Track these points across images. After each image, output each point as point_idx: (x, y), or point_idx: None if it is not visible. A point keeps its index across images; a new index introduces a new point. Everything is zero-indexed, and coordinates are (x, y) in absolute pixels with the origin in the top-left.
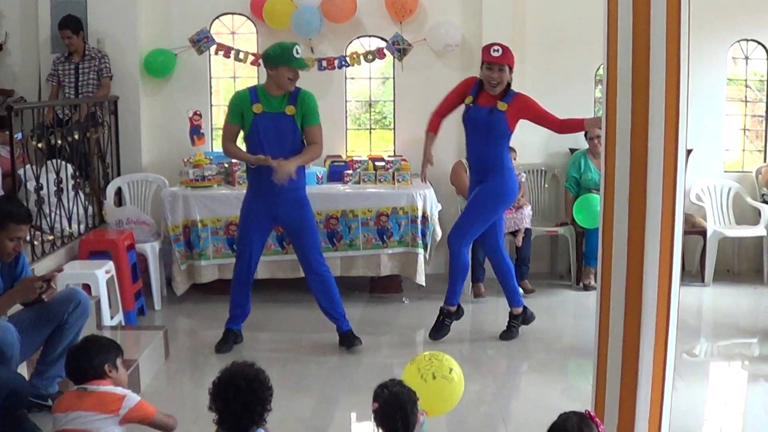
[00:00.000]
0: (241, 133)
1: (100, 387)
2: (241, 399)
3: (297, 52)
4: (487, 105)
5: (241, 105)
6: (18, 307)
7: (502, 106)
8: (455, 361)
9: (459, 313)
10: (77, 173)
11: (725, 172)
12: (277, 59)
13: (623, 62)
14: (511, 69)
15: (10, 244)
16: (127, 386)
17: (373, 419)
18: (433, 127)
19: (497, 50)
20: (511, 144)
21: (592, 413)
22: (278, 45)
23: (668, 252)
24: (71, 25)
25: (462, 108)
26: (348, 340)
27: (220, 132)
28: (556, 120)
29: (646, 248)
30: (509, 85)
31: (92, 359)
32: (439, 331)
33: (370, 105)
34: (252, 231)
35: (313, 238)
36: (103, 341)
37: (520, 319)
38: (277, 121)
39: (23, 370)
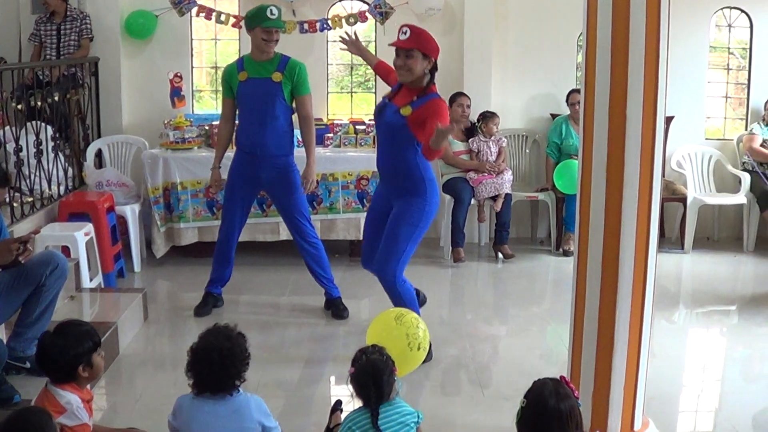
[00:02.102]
0: None
1: (58, 392)
2: (216, 367)
3: (272, 13)
4: (399, 104)
5: (228, 77)
6: None
7: (405, 111)
8: None
9: (422, 299)
10: (57, 135)
11: (706, 139)
12: (252, 20)
13: (603, 27)
14: (425, 56)
15: None
16: (101, 375)
17: (348, 382)
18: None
19: (405, 32)
20: (493, 109)
21: (567, 379)
22: (255, 7)
23: (645, 218)
24: None
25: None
26: (336, 308)
27: (201, 94)
28: (424, 144)
29: (624, 214)
30: (428, 84)
31: (63, 357)
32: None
33: (351, 68)
34: (237, 195)
35: (299, 205)
36: (78, 333)
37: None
38: (262, 86)
39: (0, 333)
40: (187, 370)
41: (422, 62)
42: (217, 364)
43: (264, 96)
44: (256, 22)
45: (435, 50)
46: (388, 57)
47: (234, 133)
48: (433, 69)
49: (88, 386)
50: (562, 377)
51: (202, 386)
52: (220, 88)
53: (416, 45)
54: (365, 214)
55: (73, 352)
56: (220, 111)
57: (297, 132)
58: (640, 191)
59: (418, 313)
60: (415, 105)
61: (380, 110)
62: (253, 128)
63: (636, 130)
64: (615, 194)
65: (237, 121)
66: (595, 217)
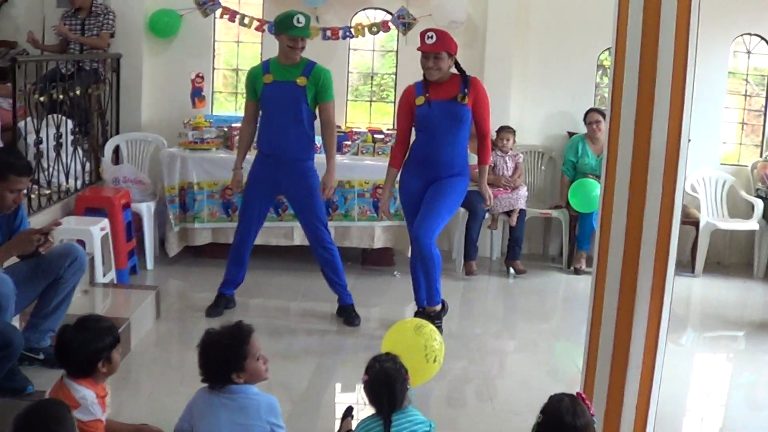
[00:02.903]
0: None
1: (74, 386)
2: (213, 361)
3: (298, 21)
4: (445, 98)
5: (253, 80)
6: (14, 259)
7: (462, 98)
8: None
9: (446, 309)
10: (77, 129)
11: (721, 164)
12: (279, 26)
13: (632, 49)
14: (450, 55)
15: (10, 196)
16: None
17: (363, 389)
18: (397, 163)
19: (431, 37)
20: (511, 125)
21: (584, 395)
22: (283, 13)
23: (665, 241)
24: None
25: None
26: (348, 315)
27: (221, 95)
28: (484, 134)
29: (644, 236)
30: (463, 73)
31: (84, 351)
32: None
33: (372, 77)
34: (255, 197)
35: (317, 210)
36: (99, 329)
37: (442, 315)
38: (286, 89)
39: (16, 323)
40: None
41: (448, 60)
42: (213, 358)
43: (288, 99)
44: (282, 28)
45: (455, 47)
46: (409, 65)
47: (256, 136)
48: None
49: (104, 382)
50: (578, 394)
51: (207, 379)
52: (237, 91)
53: (443, 48)
54: (379, 222)
55: (93, 347)
56: (237, 113)
57: (318, 138)
58: (661, 214)
59: (439, 284)
60: (464, 92)
61: (429, 107)
62: (275, 131)
63: (660, 153)
64: (636, 215)
65: (259, 124)
66: (616, 236)
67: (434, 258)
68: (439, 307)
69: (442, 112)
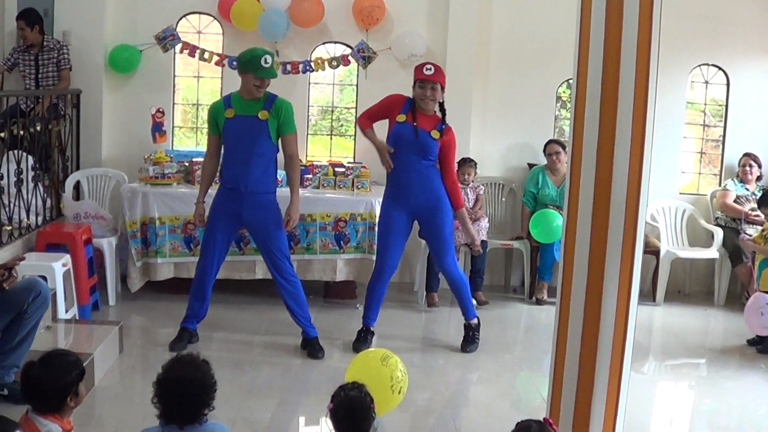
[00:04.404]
0: None
1: (40, 420)
2: (187, 398)
3: (266, 62)
4: (425, 128)
5: (215, 114)
6: None
7: (435, 134)
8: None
9: (479, 323)
10: (37, 165)
11: (680, 194)
12: (245, 66)
13: (593, 80)
14: (443, 88)
15: None
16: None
17: (329, 418)
18: (368, 125)
19: (430, 69)
20: (471, 157)
21: (551, 420)
22: (249, 51)
23: (628, 271)
24: (27, 17)
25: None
26: (312, 348)
27: (182, 130)
28: (449, 176)
29: (607, 266)
30: (444, 112)
31: (53, 387)
32: (472, 343)
33: (332, 111)
34: (217, 230)
35: (279, 243)
36: (66, 363)
37: (479, 329)
38: (248, 124)
39: None
40: (155, 400)
41: (441, 94)
42: (188, 395)
43: (250, 133)
44: (249, 68)
45: (445, 81)
46: (369, 99)
47: (218, 169)
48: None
49: (69, 416)
50: (546, 419)
51: (170, 417)
52: (198, 126)
53: (438, 79)
54: (342, 255)
55: (62, 383)
56: (197, 148)
57: (280, 171)
58: (623, 244)
59: (472, 306)
60: (439, 129)
61: (413, 132)
62: (237, 165)
63: (622, 183)
64: (599, 246)
65: (222, 158)
66: (579, 267)
67: (463, 279)
68: (476, 321)
69: (422, 140)
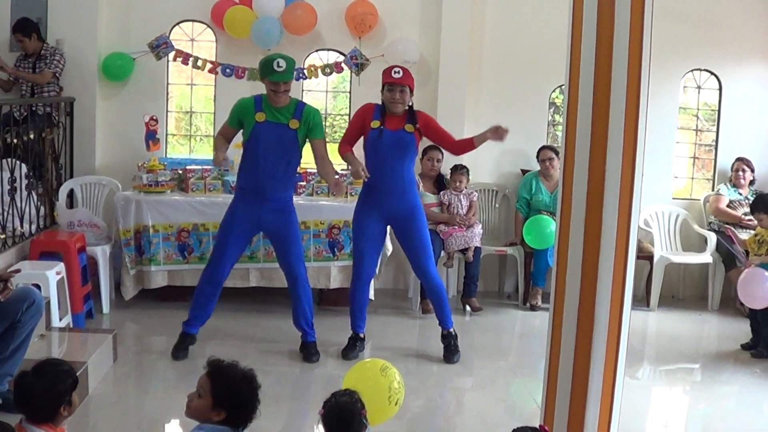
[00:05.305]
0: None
1: (33, 430)
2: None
3: (278, 66)
4: (396, 128)
5: (242, 112)
6: None
7: (409, 128)
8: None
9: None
10: (31, 173)
11: (673, 198)
12: (261, 70)
13: (585, 86)
14: (411, 91)
15: None
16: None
17: (320, 424)
18: (348, 149)
19: (398, 72)
20: (464, 163)
21: (546, 428)
22: (265, 57)
23: (621, 276)
24: (23, 29)
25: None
26: (308, 352)
27: (175, 138)
28: (451, 139)
29: (600, 271)
30: (411, 106)
31: (46, 397)
32: (456, 352)
33: (325, 118)
34: (233, 234)
35: (297, 246)
36: (59, 372)
37: (457, 337)
38: (278, 131)
39: None
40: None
41: (410, 96)
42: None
43: (282, 142)
44: (263, 73)
45: (414, 84)
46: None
47: (237, 171)
48: None
49: (63, 425)
50: (541, 426)
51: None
52: (191, 133)
53: (407, 82)
54: (335, 262)
55: (56, 392)
56: (191, 156)
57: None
58: (616, 249)
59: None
60: (411, 121)
61: (379, 135)
62: (263, 171)
63: (615, 188)
64: (592, 251)
65: (239, 161)
66: (572, 273)
67: (443, 287)
68: (453, 329)
69: (392, 141)
